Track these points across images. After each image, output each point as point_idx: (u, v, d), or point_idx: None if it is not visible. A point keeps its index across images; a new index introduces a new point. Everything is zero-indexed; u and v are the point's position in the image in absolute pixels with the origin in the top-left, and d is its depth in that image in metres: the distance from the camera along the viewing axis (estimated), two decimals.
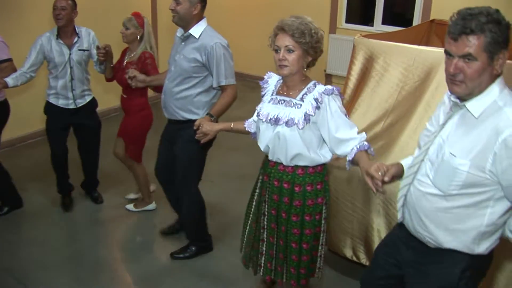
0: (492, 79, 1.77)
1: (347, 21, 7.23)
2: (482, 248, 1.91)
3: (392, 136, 3.02)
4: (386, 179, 1.96)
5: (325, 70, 7.40)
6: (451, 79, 1.78)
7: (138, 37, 3.73)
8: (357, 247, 3.21)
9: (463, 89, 1.77)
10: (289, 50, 2.36)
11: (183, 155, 3.32)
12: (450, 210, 1.88)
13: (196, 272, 3.47)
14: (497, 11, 1.72)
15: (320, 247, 2.65)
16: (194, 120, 2.97)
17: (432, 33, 4.63)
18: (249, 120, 2.78)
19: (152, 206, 4.23)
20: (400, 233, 2.17)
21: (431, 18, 5.17)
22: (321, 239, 2.64)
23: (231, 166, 4.94)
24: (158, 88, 3.63)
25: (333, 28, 7.26)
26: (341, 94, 2.45)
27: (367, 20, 7.19)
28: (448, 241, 1.92)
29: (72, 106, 3.96)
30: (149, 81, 3.53)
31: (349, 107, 3.27)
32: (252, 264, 2.83)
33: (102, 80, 4.17)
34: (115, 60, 3.95)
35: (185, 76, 3.18)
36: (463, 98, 1.83)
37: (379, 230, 3.10)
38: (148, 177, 4.11)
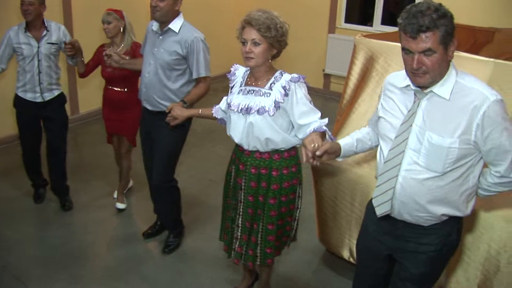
0: (448, 65, 1.96)
1: (346, 21, 7.25)
2: (470, 208, 2.14)
3: None
4: (318, 153, 2.10)
5: (323, 70, 7.40)
6: (414, 73, 1.93)
7: (122, 29, 3.80)
8: (354, 248, 3.20)
9: (427, 79, 1.93)
10: (255, 43, 2.49)
11: (166, 144, 3.41)
12: (447, 185, 2.03)
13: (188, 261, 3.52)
14: (441, 4, 1.88)
15: (293, 222, 2.84)
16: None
17: None
18: (216, 106, 2.93)
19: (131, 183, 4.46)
20: (379, 229, 2.27)
21: None
22: (294, 215, 2.82)
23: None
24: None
25: (332, 28, 7.26)
26: (307, 82, 2.58)
27: (366, 20, 7.21)
28: (446, 212, 2.09)
29: (39, 100, 3.94)
30: (122, 63, 3.56)
31: (349, 107, 3.27)
32: (227, 246, 2.95)
33: (91, 80, 4.13)
34: (87, 58, 3.98)
35: (167, 68, 3.29)
36: (424, 86, 1.99)
37: None
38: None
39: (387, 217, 2.19)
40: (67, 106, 4.29)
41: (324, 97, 7.33)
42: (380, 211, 2.17)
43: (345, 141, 2.33)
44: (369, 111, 3.16)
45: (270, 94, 2.54)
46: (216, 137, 5.63)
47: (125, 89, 3.91)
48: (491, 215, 2.60)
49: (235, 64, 2.81)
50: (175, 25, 3.25)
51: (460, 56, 2.72)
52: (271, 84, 2.56)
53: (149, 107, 3.45)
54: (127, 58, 3.66)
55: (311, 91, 2.88)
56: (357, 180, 3.08)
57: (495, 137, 1.93)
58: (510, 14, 5.76)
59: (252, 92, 2.60)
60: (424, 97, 2.01)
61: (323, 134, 2.48)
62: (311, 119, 2.52)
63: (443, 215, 2.09)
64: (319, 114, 2.55)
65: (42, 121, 4.08)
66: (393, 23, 6.77)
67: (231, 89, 2.75)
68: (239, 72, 2.76)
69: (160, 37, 3.30)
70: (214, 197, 4.23)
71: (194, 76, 3.31)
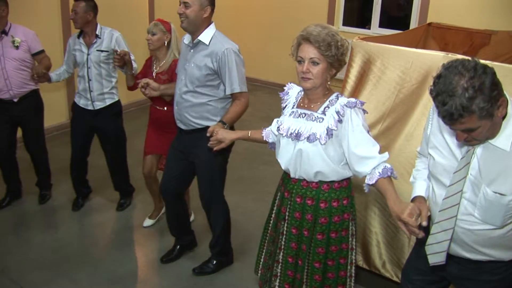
0: (500, 123, 1.73)
1: (344, 24, 7.26)
2: None
3: (389, 139, 3.03)
4: (424, 223, 1.89)
5: None
6: (466, 142, 1.77)
7: (166, 43, 3.56)
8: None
9: (477, 143, 1.77)
10: (314, 63, 2.22)
11: (208, 165, 3.18)
12: (505, 234, 1.86)
13: (209, 280, 3.44)
14: (481, 71, 1.64)
15: (349, 267, 2.47)
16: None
17: (429, 36, 4.64)
18: (267, 129, 2.67)
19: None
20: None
21: (428, 21, 5.18)
22: (349, 257, 2.46)
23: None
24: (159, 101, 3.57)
25: None
26: (365, 110, 2.33)
27: (364, 23, 7.22)
28: (508, 256, 1.93)
29: (90, 108, 3.97)
30: (163, 88, 3.31)
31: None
32: (267, 286, 2.66)
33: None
34: (138, 69, 3.85)
35: (198, 84, 3.03)
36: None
37: (377, 232, 3.10)
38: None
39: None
40: (65, 111, 4.32)
41: None
42: (433, 260, 2.00)
43: (423, 188, 2.10)
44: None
45: (323, 119, 2.27)
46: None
47: (165, 108, 3.61)
48: None
49: (289, 83, 2.54)
50: (205, 36, 2.98)
51: None
52: (325, 108, 2.28)
53: (182, 126, 3.18)
54: (164, 77, 3.48)
55: None
56: (352, 182, 3.08)
57: None
58: (506, 17, 5.78)
59: (303, 115, 2.34)
60: (479, 145, 1.80)
61: (390, 180, 2.20)
62: (370, 152, 2.22)
63: (505, 257, 1.93)
64: (378, 147, 2.26)
65: (97, 133, 4.10)
66: (391, 26, 6.80)
67: (283, 109, 2.48)
68: (293, 92, 2.48)
69: (191, 50, 3.05)
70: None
71: (228, 92, 3.01)
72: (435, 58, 2.89)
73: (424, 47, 4.38)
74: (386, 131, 3.07)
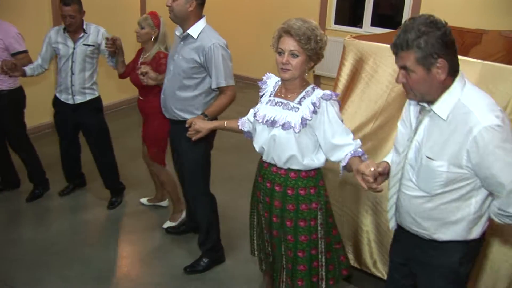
0: (443, 83, 1.87)
1: (336, 22, 7.27)
2: (475, 233, 2.01)
3: (381, 137, 3.04)
4: (380, 169, 2.02)
5: (313, 71, 7.42)
6: (403, 88, 1.96)
7: (153, 37, 3.66)
8: (346, 248, 3.21)
9: (412, 96, 1.94)
10: (293, 55, 2.31)
11: (188, 157, 3.26)
12: (438, 207, 1.96)
13: (201, 279, 3.44)
14: (430, 21, 1.83)
15: (320, 256, 2.56)
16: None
17: None
18: (243, 118, 2.76)
19: (165, 203, 4.30)
20: (397, 237, 2.26)
21: None
22: (320, 247, 2.55)
23: (220, 167, 4.94)
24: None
25: (322, 29, 7.26)
26: (339, 101, 2.43)
27: (356, 21, 7.23)
28: (444, 233, 2.00)
29: (71, 102, 3.99)
30: (160, 79, 3.36)
31: (339, 108, 3.28)
32: (264, 264, 2.86)
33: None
34: (128, 60, 3.90)
35: (184, 76, 3.09)
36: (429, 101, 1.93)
37: (368, 231, 3.11)
38: (176, 183, 3.90)
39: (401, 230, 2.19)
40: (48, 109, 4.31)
41: None
42: (390, 225, 2.21)
43: (389, 157, 2.21)
44: (358, 112, 3.18)
45: (298, 109, 2.37)
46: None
47: (142, 98, 3.79)
48: None
49: (268, 73, 2.65)
50: (194, 30, 3.04)
51: None
52: (301, 99, 2.39)
53: (166, 115, 3.30)
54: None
55: None
56: (345, 180, 3.09)
57: (486, 166, 1.81)
58: (497, 17, 5.81)
59: (280, 104, 2.44)
60: (427, 114, 1.94)
61: (359, 158, 2.32)
62: (345, 140, 2.35)
63: (441, 236, 2.01)
64: (352, 135, 2.39)
65: (81, 129, 4.12)
66: (382, 24, 6.81)
67: (260, 98, 2.59)
68: (271, 81, 2.59)
69: (181, 42, 3.11)
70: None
71: (214, 85, 3.07)
72: None
73: None
74: (379, 130, 3.08)
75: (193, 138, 2.78)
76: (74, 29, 3.81)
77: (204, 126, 2.74)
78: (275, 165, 2.48)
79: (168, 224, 3.99)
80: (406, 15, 6.61)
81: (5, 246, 3.69)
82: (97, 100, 4.11)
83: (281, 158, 2.43)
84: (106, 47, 3.74)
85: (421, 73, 1.84)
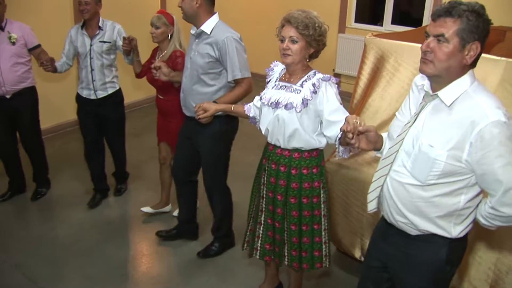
0: (462, 70, 1.84)
1: (356, 20, 7.22)
2: (457, 231, 1.98)
3: None
4: (361, 128, 2.01)
5: (334, 70, 7.38)
6: (422, 58, 1.86)
7: (169, 35, 3.67)
8: (365, 247, 3.19)
9: (431, 69, 1.85)
10: (293, 41, 2.52)
11: (208, 152, 3.33)
12: (428, 199, 1.94)
13: (214, 270, 3.51)
14: (482, 7, 1.81)
15: (323, 233, 2.77)
16: (215, 117, 3.02)
17: None
18: (249, 104, 2.92)
19: (168, 208, 4.25)
20: (379, 225, 2.25)
21: None
22: (323, 224, 2.76)
23: (242, 166, 4.94)
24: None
25: (342, 28, 7.24)
26: (338, 85, 2.61)
27: (376, 19, 7.17)
28: (428, 227, 1.99)
29: (93, 97, 4.06)
30: (172, 75, 3.40)
31: (359, 107, 3.26)
32: (249, 247, 2.99)
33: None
34: (143, 59, 3.93)
35: (202, 72, 3.17)
36: (435, 88, 1.90)
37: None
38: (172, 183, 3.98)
39: (386, 222, 2.15)
40: (72, 107, 4.36)
41: None
42: (369, 208, 2.14)
43: (385, 135, 2.21)
44: (380, 111, 3.15)
45: (300, 91, 2.57)
46: None
47: (162, 97, 3.80)
48: None
49: (275, 61, 2.83)
50: (207, 26, 3.12)
51: None
52: (303, 82, 2.59)
53: (187, 113, 3.34)
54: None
55: None
56: (368, 180, 3.06)
57: (487, 162, 1.78)
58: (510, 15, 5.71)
59: (284, 87, 2.65)
60: (431, 101, 1.92)
61: None
62: (340, 118, 2.49)
63: (424, 229, 1.99)
64: (348, 114, 2.48)
65: (100, 120, 4.18)
66: (403, 22, 6.74)
67: (267, 83, 2.79)
68: (277, 68, 2.79)
69: (196, 40, 3.19)
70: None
71: (229, 78, 3.14)
72: None
73: None
74: None
75: (200, 117, 2.89)
76: (89, 17, 3.87)
77: (212, 106, 2.90)
78: (279, 147, 2.68)
79: (146, 209, 4.12)
80: (427, 12, 6.53)
81: (29, 242, 3.76)
82: (118, 92, 4.19)
83: (285, 135, 2.61)
84: (122, 46, 3.81)
85: (454, 47, 1.79)
